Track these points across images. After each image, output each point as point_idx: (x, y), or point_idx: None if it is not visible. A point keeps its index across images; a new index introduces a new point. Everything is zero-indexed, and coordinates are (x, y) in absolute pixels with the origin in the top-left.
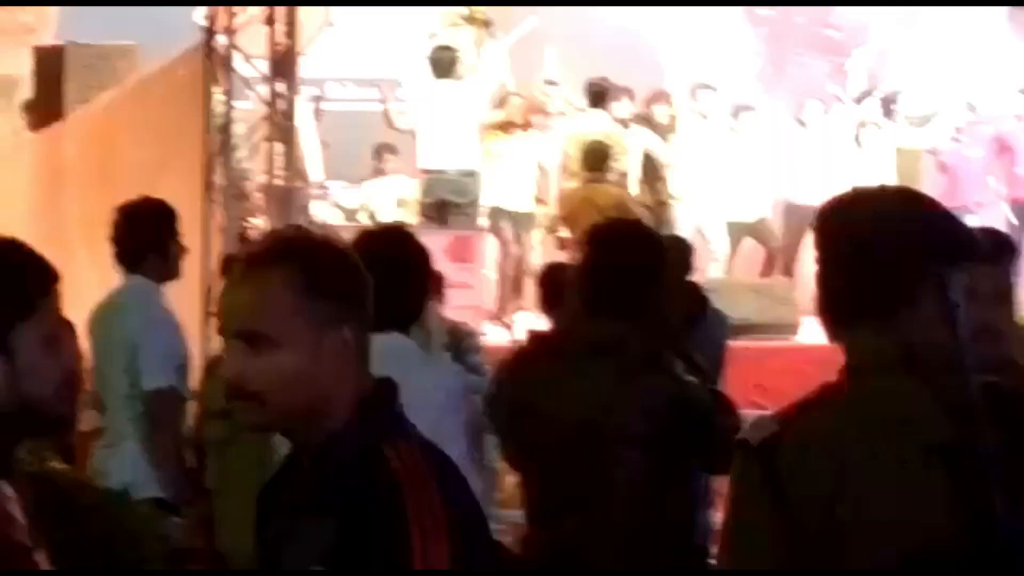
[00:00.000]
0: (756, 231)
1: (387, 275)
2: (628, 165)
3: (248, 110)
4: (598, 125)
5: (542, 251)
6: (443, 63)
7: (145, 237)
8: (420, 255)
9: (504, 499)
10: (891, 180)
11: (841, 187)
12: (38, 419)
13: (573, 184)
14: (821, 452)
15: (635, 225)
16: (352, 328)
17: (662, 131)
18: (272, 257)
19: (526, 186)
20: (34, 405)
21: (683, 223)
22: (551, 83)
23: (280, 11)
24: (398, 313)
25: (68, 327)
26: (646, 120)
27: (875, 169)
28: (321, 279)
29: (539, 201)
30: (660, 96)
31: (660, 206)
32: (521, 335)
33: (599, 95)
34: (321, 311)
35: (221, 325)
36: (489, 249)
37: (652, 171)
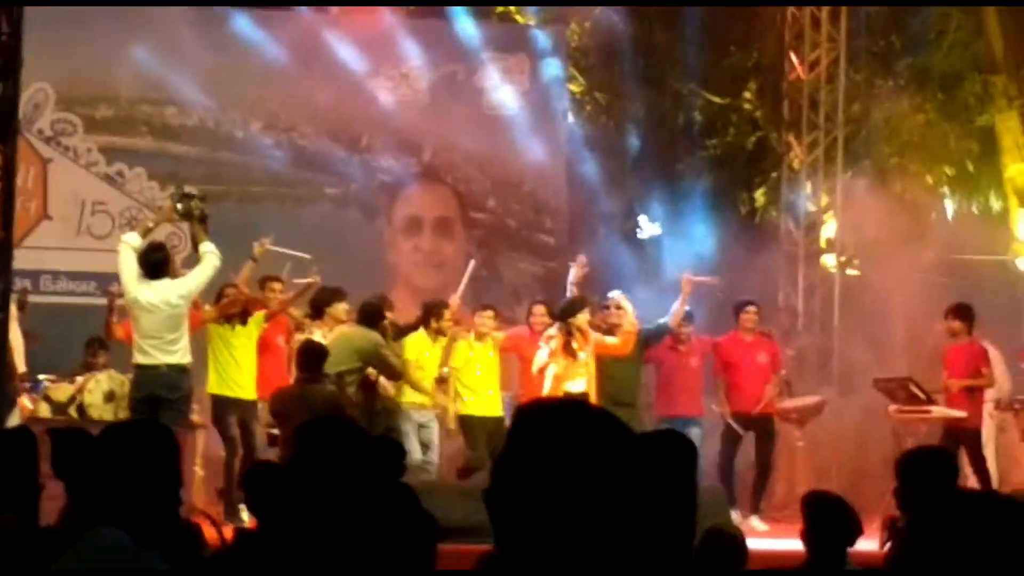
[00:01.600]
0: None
1: (136, 471)
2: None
3: None
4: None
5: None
6: (154, 263)
7: None
8: (173, 451)
9: None
10: None
11: None
12: None
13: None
14: None
15: (344, 425)
16: None
17: None
18: None
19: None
20: None
21: None
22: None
23: None
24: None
25: None
26: None
27: None
28: None
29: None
30: None
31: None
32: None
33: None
34: None
35: None
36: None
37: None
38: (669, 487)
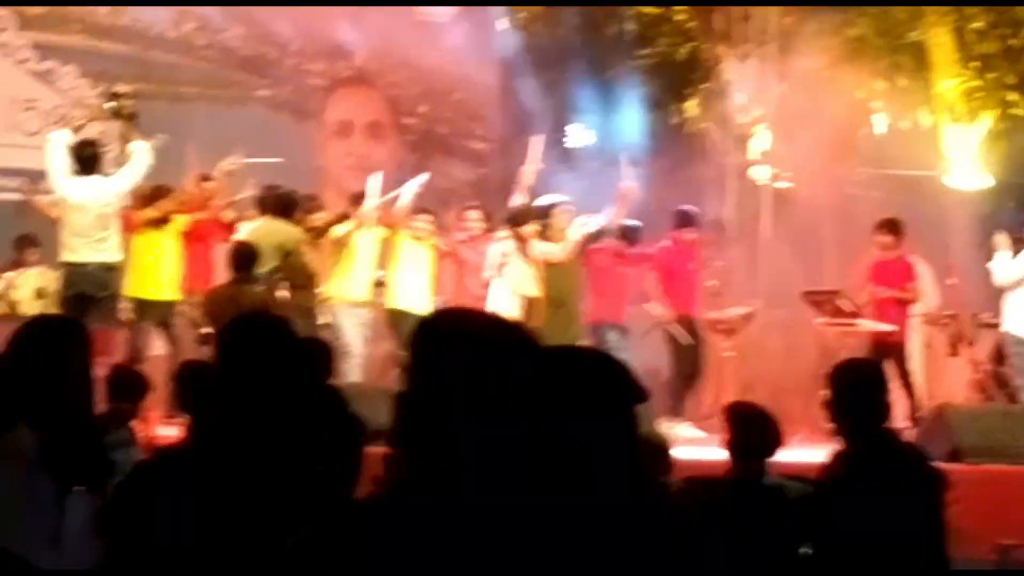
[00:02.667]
0: None
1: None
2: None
3: None
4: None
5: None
6: (86, 158)
7: None
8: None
9: None
10: None
11: None
12: None
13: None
14: None
15: (268, 324)
16: None
17: None
18: None
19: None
20: None
21: None
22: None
23: None
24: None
25: None
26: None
27: None
28: None
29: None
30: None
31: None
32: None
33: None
34: None
35: None
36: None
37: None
38: (581, 400)
